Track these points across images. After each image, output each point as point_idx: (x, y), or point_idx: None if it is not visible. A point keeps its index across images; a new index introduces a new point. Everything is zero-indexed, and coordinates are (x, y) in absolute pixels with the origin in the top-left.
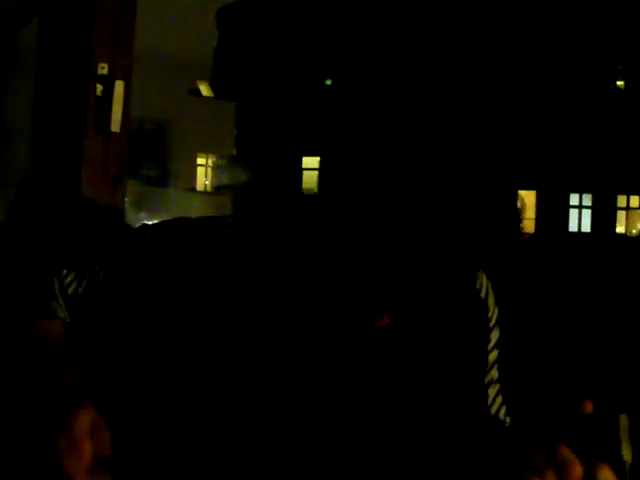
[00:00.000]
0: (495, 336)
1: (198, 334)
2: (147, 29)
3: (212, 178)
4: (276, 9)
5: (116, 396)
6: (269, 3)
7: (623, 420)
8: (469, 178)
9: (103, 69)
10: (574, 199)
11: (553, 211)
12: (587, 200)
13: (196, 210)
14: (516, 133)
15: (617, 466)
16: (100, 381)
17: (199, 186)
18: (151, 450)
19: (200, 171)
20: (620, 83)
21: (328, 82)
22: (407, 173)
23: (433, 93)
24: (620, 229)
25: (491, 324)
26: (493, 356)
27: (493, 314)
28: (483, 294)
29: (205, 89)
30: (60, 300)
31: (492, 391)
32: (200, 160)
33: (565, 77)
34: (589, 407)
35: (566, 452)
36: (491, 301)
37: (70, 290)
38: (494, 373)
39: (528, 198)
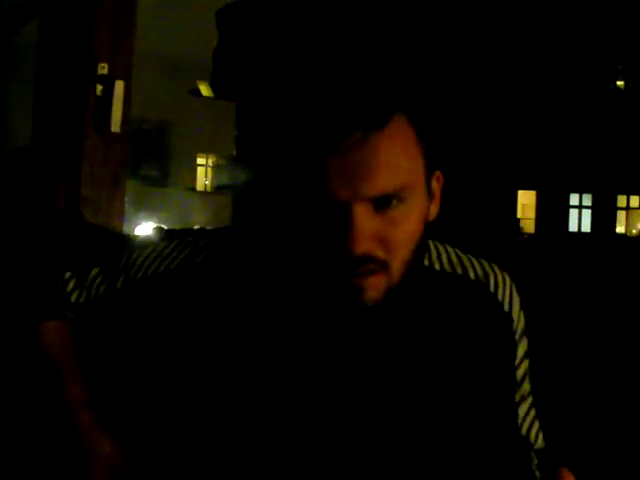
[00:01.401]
0: (523, 348)
1: (195, 350)
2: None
3: (212, 178)
4: (276, 9)
5: (115, 405)
6: (269, 3)
7: None
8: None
9: (103, 69)
10: (574, 199)
11: (553, 211)
12: (587, 200)
13: (196, 210)
14: (516, 133)
15: None
16: (99, 392)
17: (199, 186)
18: (150, 456)
19: (200, 171)
20: (620, 83)
21: None
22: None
23: (433, 95)
24: (620, 229)
25: (517, 337)
26: (523, 369)
27: (518, 325)
28: (507, 306)
29: (205, 89)
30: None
31: (523, 408)
32: (200, 160)
33: (565, 77)
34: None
35: None
36: (515, 311)
37: (72, 298)
38: (526, 387)
39: (528, 198)
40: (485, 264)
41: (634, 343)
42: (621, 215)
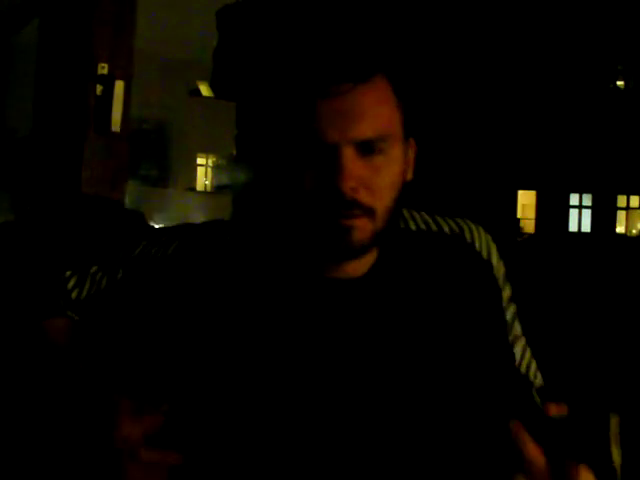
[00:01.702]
0: (507, 292)
1: (196, 337)
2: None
3: (212, 178)
4: (276, 9)
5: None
6: (269, 3)
7: (613, 421)
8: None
9: (103, 69)
10: (574, 199)
11: (553, 211)
12: (587, 200)
13: (196, 210)
14: (516, 133)
15: (606, 468)
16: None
17: (199, 186)
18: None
19: (200, 171)
20: (620, 83)
21: None
22: None
23: (433, 96)
24: (620, 229)
25: (500, 282)
26: (511, 311)
27: (499, 271)
28: (485, 253)
29: (205, 89)
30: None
31: (518, 347)
32: (200, 160)
33: (565, 77)
34: (553, 409)
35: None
36: (494, 258)
37: (73, 295)
38: (517, 327)
39: (528, 198)
40: (458, 220)
41: (634, 343)
42: (621, 215)
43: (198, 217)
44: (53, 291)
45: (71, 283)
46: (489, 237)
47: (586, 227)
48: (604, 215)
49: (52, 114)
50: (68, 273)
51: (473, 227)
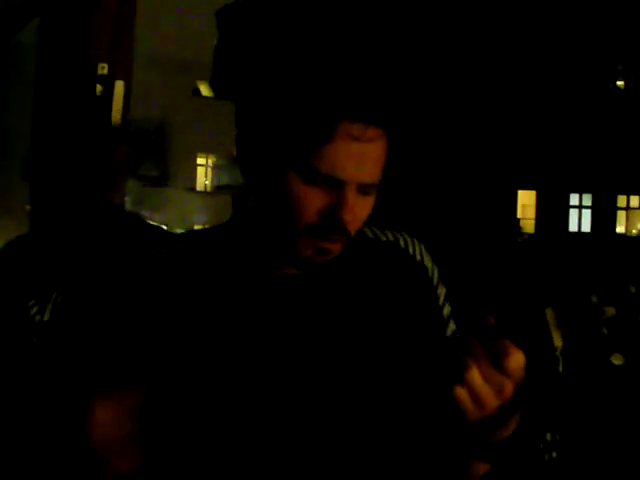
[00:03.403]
0: (442, 292)
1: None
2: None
3: (212, 178)
4: (276, 9)
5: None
6: (270, 3)
7: (549, 312)
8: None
9: (103, 69)
10: (574, 199)
11: (553, 211)
12: (587, 200)
13: (196, 210)
14: (516, 133)
15: (550, 352)
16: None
17: (199, 186)
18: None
19: (200, 171)
20: (620, 83)
21: None
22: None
23: (433, 97)
24: (620, 229)
25: (434, 282)
26: (447, 310)
27: (433, 273)
28: (418, 257)
29: (205, 89)
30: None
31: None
32: (200, 160)
33: (565, 77)
34: (491, 320)
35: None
36: (428, 261)
37: (37, 319)
38: (452, 326)
39: (528, 198)
40: (394, 231)
41: (624, 315)
42: (621, 215)
43: (198, 217)
44: (17, 319)
45: (34, 310)
46: (422, 245)
47: (586, 227)
48: (604, 215)
49: (52, 114)
50: (32, 302)
51: (407, 236)
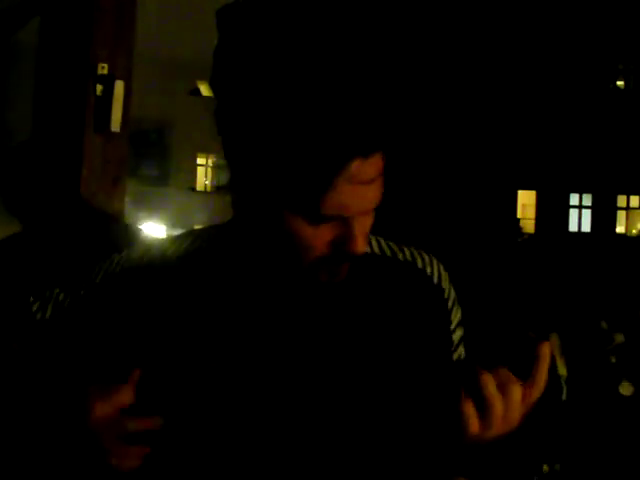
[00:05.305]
0: (457, 316)
1: (169, 347)
2: (147, 29)
3: (212, 178)
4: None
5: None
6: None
7: (554, 339)
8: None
9: (103, 69)
10: (574, 199)
11: (553, 211)
12: (587, 200)
13: (196, 210)
14: (516, 133)
15: (553, 381)
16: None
17: (199, 186)
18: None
19: (200, 171)
20: (620, 83)
21: None
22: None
23: (432, 97)
24: (620, 229)
25: (449, 305)
26: (458, 335)
27: (450, 295)
28: (436, 279)
29: (205, 89)
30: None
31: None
32: (200, 160)
33: (565, 77)
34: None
35: (507, 373)
36: (445, 283)
37: (38, 316)
38: (461, 350)
39: (528, 198)
40: (412, 249)
41: (634, 342)
42: (621, 215)
43: (198, 217)
44: (18, 316)
45: (35, 306)
46: (441, 265)
47: (586, 227)
48: (604, 215)
49: (52, 114)
50: (32, 299)
51: (425, 255)
